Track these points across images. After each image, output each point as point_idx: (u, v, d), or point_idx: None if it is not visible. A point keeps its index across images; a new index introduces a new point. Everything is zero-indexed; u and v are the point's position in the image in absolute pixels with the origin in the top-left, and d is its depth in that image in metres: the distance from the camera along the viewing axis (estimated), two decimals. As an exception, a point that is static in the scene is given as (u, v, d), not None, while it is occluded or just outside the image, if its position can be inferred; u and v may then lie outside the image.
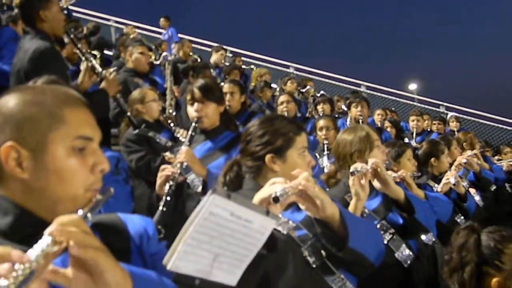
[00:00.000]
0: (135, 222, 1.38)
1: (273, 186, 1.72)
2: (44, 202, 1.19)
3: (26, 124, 1.18)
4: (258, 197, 1.72)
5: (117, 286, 1.02)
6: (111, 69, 4.05)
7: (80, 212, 1.11)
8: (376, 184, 2.65)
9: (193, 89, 3.38)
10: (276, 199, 1.66)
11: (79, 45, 4.07)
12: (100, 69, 3.87)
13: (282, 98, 6.46)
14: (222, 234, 1.15)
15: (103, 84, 3.89)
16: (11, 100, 1.20)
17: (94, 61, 3.91)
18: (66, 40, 4.07)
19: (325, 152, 5.16)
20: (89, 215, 1.12)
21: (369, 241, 1.98)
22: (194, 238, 1.11)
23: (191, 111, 3.37)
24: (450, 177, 3.93)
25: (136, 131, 4.38)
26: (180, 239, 1.11)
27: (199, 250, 1.13)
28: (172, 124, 4.40)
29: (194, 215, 1.11)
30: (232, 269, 1.21)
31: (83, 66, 3.96)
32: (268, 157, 2.07)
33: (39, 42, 3.54)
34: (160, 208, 2.80)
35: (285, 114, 6.24)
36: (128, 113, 4.36)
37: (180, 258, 1.11)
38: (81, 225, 1.01)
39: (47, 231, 0.97)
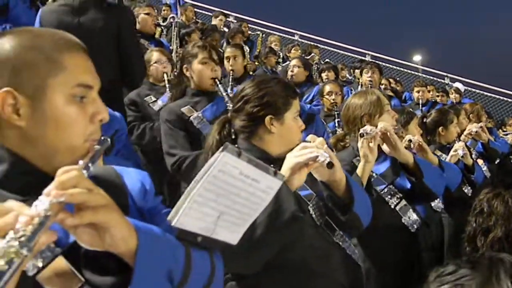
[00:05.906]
0: (131, 176, 1.33)
1: (306, 151, 1.81)
2: (41, 151, 1.13)
3: (23, 69, 1.11)
4: (292, 161, 1.81)
5: (122, 241, 1.01)
6: None
7: (81, 162, 1.07)
8: (385, 148, 2.66)
9: None
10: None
11: None
12: None
13: (293, 62, 6.34)
14: (229, 192, 1.14)
15: None
16: (6, 44, 1.13)
17: None
18: None
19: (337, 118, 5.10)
20: (90, 165, 1.08)
21: (364, 206, 2.06)
22: (201, 195, 1.10)
23: None
24: (458, 149, 3.90)
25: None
26: (187, 196, 1.10)
27: (205, 207, 1.12)
28: (168, 89, 4.29)
29: (202, 172, 1.10)
30: (234, 228, 1.21)
31: None
32: (267, 118, 2.07)
33: None
34: None
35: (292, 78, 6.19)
36: None
37: (185, 214, 1.10)
38: (82, 182, 0.98)
39: (45, 191, 0.94)
